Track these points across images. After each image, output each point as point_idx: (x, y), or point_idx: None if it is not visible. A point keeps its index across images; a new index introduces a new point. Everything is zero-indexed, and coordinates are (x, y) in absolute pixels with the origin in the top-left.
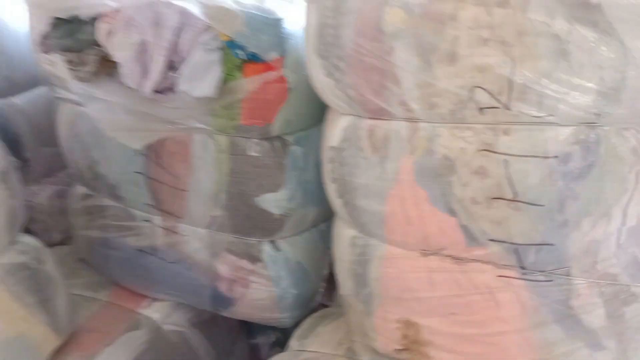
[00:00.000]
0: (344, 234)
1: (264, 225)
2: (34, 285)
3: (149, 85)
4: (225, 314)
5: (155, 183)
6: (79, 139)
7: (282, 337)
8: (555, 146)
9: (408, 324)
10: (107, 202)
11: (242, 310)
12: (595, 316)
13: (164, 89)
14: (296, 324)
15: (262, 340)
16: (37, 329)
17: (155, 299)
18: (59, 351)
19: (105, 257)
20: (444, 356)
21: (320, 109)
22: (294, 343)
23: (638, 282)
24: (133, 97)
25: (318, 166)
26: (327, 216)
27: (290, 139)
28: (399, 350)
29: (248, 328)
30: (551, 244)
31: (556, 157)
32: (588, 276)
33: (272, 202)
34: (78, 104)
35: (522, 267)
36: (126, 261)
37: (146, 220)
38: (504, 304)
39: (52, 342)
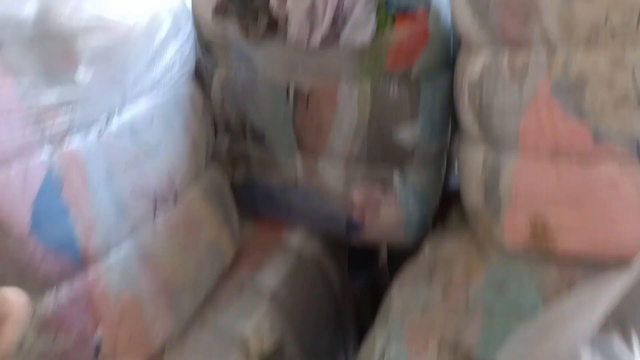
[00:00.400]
0: (475, 153)
1: (396, 157)
2: (220, 203)
3: (316, 39)
4: (355, 239)
5: (301, 126)
6: (231, 95)
7: (373, 281)
8: None
9: (536, 223)
10: (252, 147)
11: (371, 234)
12: None
13: (326, 42)
14: (393, 258)
15: (356, 283)
16: (224, 239)
17: (293, 229)
18: (235, 261)
19: (249, 196)
20: (569, 245)
21: (447, 54)
22: (426, 250)
23: None
24: (292, 51)
25: (442, 105)
26: (443, 151)
27: (423, 81)
28: (527, 245)
29: None
30: None
31: None
32: None
33: (406, 136)
34: (235, 63)
35: None
36: (269, 198)
37: (289, 160)
38: (626, 193)
39: (231, 251)
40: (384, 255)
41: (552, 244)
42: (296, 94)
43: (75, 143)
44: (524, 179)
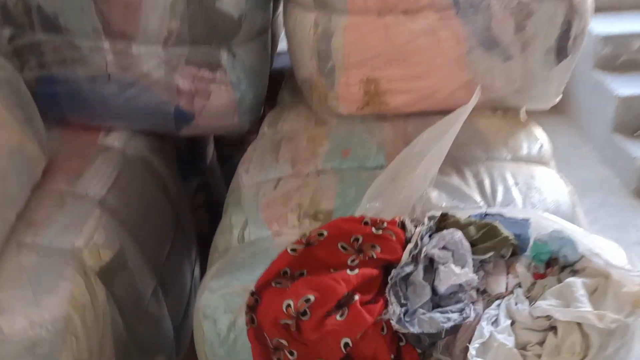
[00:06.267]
0: (305, 19)
1: (222, 33)
2: (18, 101)
3: None
4: (185, 131)
5: (105, 6)
6: None
7: (205, 180)
8: None
9: (369, 82)
10: (43, 37)
11: (203, 122)
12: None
13: None
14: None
15: (188, 183)
16: (30, 145)
17: (110, 130)
18: (48, 172)
19: (50, 95)
20: (399, 98)
21: None
22: (265, 130)
23: None
24: None
25: None
26: (267, 24)
27: None
28: (361, 107)
29: None
30: None
31: None
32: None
33: (232, 3)
34: None
35: (457, 6)
36: (76, 94)
37: (94, 47)
38: (444, 40)
39: (41, 160)
40: (210, 150)
41: (384, 105)
42: None
43: None
44: (355, 37)
